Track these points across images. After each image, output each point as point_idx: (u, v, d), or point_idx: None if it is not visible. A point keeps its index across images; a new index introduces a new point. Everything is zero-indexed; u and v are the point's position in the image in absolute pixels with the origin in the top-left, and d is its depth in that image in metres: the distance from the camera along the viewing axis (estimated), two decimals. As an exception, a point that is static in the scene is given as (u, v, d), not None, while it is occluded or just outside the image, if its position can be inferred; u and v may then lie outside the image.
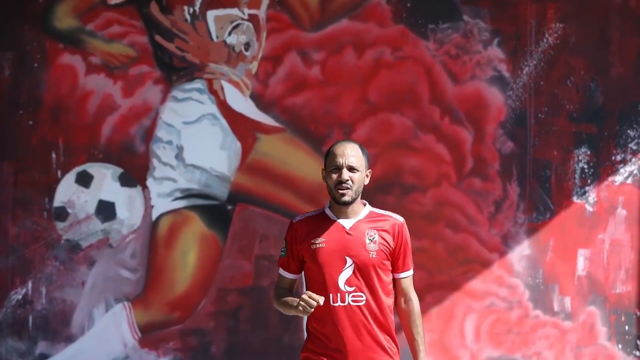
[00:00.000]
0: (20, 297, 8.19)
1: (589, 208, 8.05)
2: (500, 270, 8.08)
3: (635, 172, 8.02)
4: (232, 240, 8.14)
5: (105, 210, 8.20)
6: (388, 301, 4.27)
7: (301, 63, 8.15)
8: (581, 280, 8.04)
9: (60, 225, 8.20)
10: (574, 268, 8.05)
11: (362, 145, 4.34)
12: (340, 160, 4.22)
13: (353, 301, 4.19)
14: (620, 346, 8.00)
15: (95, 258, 8.20)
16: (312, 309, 4.04)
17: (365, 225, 4.27)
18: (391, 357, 4.28)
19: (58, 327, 8.18)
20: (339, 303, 4.18)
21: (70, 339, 8.17)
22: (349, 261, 4.20)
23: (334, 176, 4.23)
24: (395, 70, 8.12)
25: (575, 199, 8.05)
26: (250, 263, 8.12)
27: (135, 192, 8.21)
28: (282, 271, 4.39)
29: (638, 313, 8.00)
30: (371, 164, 8.31)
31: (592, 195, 8.05)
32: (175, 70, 8.19)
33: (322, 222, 4.27)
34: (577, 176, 8.06)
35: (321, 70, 8.15)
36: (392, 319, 4.30)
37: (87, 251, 8.21)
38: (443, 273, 8.08)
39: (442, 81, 8.10)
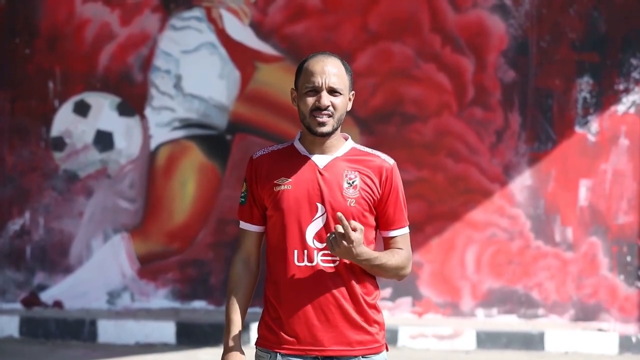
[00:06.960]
0: (17, 227, 8.14)
1: (591, 138, 7.98)
2: (502, 200, 8.02)
3: (638, 101, 7.94)
4: (231, 171, 8.08)
5: (103, 140, 8.13)
6: None
7: (301, -9, 8.07)
8: (583, 210, 7.98)
9: (58, 155, 8.14)
10: (575, 198, 7.99)
11: (345, 61, 3.39)
12: (319, 80, 3.28)
13: (323, 261, 3.27)
14: (622, 277, 7.95)
15: (93, 188, 8.14)
16: None
17: (343, 165, 3.32)
18: (369, 336, 3.33)
19: (56, 257, 8.12)
20: (305, 262, 3.27)
21: (68, 270, 8.13)
22: (321, 209, 3.28)
23: (310, 100, 3.29)
24: (395, -2, 8.03)
25: (577, 128, 7.98)
26: (249, 193, 8.04)
27: (134, 122, 8.14)
28: (243, 224, 3.40)
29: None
30: (371, 93, 8.34)
31: (594, 124, 7.97)
32: (173, -2, 8.11)
33: (289, 158, 3.35)
34: (579, 105, 7.98)
35: (321, -2, 8.07)
36: (374, 288, 3.36)
37: (85, 181, 8.14)
38: (443, 203, 8.02)
39: (443, 9, 8.01)
